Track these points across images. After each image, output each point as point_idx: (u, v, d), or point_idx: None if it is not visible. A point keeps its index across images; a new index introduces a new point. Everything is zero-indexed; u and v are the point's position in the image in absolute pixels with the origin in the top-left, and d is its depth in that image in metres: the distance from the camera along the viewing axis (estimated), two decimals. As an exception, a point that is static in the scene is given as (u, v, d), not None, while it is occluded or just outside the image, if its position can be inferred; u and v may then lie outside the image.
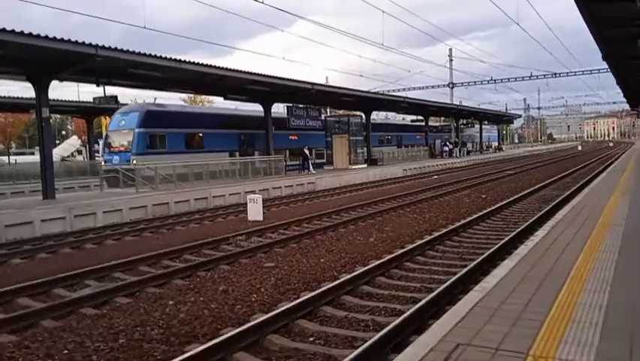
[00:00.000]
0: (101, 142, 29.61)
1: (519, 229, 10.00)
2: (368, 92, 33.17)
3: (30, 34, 13.25)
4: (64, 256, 10.41)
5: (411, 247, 9.11)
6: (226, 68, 20.11)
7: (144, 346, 5.06)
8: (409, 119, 54.38)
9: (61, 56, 14.93)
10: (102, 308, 6.62)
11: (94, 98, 19.95)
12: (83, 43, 14.67)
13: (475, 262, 7.42)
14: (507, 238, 9.14)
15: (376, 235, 10.90)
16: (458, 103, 54.71)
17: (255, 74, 21.36)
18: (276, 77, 22.69)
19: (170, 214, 16.41)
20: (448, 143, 47.37)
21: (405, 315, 5.24)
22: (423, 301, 5.66)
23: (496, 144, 69.71)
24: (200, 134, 26.34)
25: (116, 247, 11.12)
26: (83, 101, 32.39)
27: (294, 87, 24.62)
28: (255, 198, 14.48)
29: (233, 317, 5.90)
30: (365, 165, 32.67)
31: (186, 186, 19.89)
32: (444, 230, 10.75)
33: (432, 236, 10.11)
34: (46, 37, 13.66)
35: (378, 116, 46.51)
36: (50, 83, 16.61)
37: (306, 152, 29.06)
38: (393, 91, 52.64)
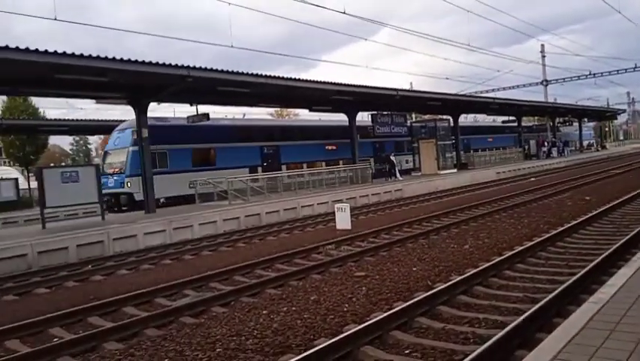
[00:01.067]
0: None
1: (632, 233, 9.09)
2: (455, 94, 32.26)
3: (128, 60, 14.23)
4: (165, 267, 10.93)
5: (510, 254, 8.57)
6: (309, 81, 20.37)
7: (240, 356, 5.11)
8: (499, 120, 52.09)
9: (156, 79, 15.90)
10: (200, 317, 6.82)
11: (187, 117, 20.98)
12: (177, 65, 15.52)
13: (584, 270, 6.80)
14: (619, 243, 8.30)
15: (471, 242, 10.40)
16: (553, 100, 51.63)
17: (338, 84, 21.47)
18: (360, 86, 22.64)
19: (261, 225, 16.80)
20: (545, 143, 44.73)
21: (508, 328, 4.86)
22: (528, 313, 5.23)
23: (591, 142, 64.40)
24: (212, 149, 24.42)
25: (212, 258, 11.51)
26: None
27: (378, 94, 24.43)
28: (342, 206, 14.43)
29: (326, 327, 5.82)
30: (454, 170, 31.64)
31: (275, 197, 20.31)
32: (545, 235, 10.03)
33: (533, 242, 9.45)
34: (142, 62, 14.60)
35: (466, 118, 45.08)
36: (148, 105, 17.73)
37: (393, 159, 28.66)
38: (482, 92, 50.77)
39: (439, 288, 6.66)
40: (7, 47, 11.98)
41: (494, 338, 4.61)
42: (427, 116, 39.09)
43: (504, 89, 54.17)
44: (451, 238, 11.13)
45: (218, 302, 7.40)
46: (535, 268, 7.96)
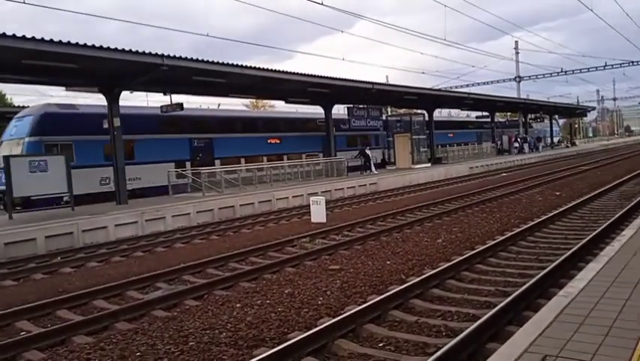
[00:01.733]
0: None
1: (600, 228, 9.32)
2: (430, 89, 32.56)
3: (100, 47, 13.89)
4: (137, 260, 10.76)
5: (482, 248, 8.69)
6: (285, 72, 20.25)
7: (213, 349, 5.06)
8: (473, 115, 52.79)
9: (129, 66, 15.57)
10: (172, 311, 6.73)
11: (161, 107, 20.61)
12: (150, 53, 15.22)
13: (554, 264, 6.94)
14: (588, 238, 8.51)
15: (444, 236, 10.52)
16: (526, 97, 52.51)
17: (314, 76, 21.41)
18: (336, 78, 22.61)
19: (235, 217, 16.69)
20: (518, 139, 45.51)
21: (480, 321, 4.94)
22: (499, 306, 5.31)
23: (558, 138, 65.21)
24: (130, 142, 20.72)
25: (185, 250, 11.38)
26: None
27: (355, 87, 24.45)
28: (317, 200, 14.43)
29: (300, 320, 5.81)
30: (429, 164, 31.96)
31: (250, 189, 20.19)
32: (517, 230, 10.21)
33: (504, 236, 9.62)
34: (115, 49, 14.27)
35: (441, 113, 45.54)
36: (120, 93, 17.36)
37: (368, 152, 28.78)
38: (457, 87, 51.29)
39: (413, 281, 6.72)
40: (-28, 31, 11.56)
41: (466, 331, 4.67)
42: (402, 111, 39.37)
43: (478, 84, 54.85)
44: (425, 232, 11.24)
45: (191, 295, 7.32)
46: (506, 262, 8.10)
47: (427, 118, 34.02)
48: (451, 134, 43.99)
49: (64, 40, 13.18)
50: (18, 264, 10.86)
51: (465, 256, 8.10)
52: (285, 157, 27.21)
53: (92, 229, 13.49)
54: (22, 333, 6.20)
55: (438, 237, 10.52)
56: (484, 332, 4.82)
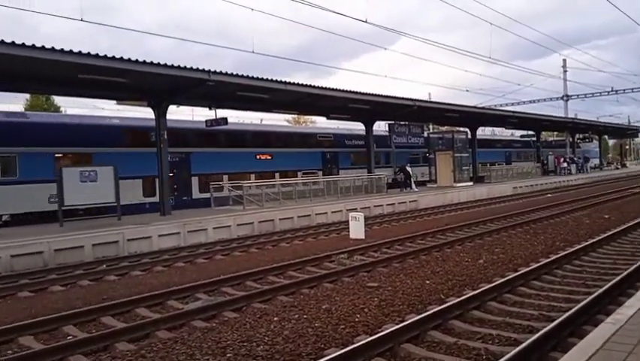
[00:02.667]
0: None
1: (652, 254, 8.92)
2: (474, 107, 32.07)
3: (150, 63, 14.43)
4: (178, 270, 10.98)
5: (525, 270, 8.46)
6: (327, 88, 20.43)
7: (250, 362, 5.11)
8: (518, 134, 51.68)
9: (177, 81, 16.08)
10: (211, 322, 6.83)
11: (206, 121, 21.15)
12: (197, 69, 15.68)
13: (601, 290, 6.68)
14: (638, 264, 8.16)
15: (486, 257, 10.29)
16: (574, 116, 51.04)
17: (356, 92, 21.50)
18: (378, 95, 22.63)
19: (275, 231, 16.83)
20: (565, 159, 44.20)
21: (523, 345, 4.79)
22: (543, 331, 5.15)
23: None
24: (87, 155, 19.53)
25: (225, 262, 11.54)
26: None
27: (396, 104, 24.40)
28: (356, 216, 14.40)
29: (337, 336, 5.79)
30: (471, 183, 31.40)
31: (290, 203, 20.34)
32: (562, 253, 9.89)
33: (549, 259, 9.33)
34: (164, 64, 14.78)
35: (484, 131, 44.78)
36: (168, 107, 17.92)
37: (408, 170, 28.56)
38: (502, 105, 50.36)
39: (452, 302, 6.60)
40: (33, 46, 12.22)
41: (508, 356, 4.55)
42: (444, 128, 38.98)
43: (524, 102, 53.69)
44: (465, 252, 11.03)
45: (230, 307, 7.41)
46: (550, 286, 7.85)
47: (469, 136, 33.55)
48: (495, 153, 43.15)
49: (117, 56, 13.76)
50: (66, 270, 11.27)
51: (507, 278, 7.89)
52: (276, 175, 25.31)
53: (137, 238, 13.88)
54: (69, 337, 6.42)
55: (479, 257, 10.31)
56: (526, 358, 4.67)
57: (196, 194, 22.33)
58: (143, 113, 22.15)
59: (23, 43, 12.07)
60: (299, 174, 26.47)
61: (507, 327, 5.97)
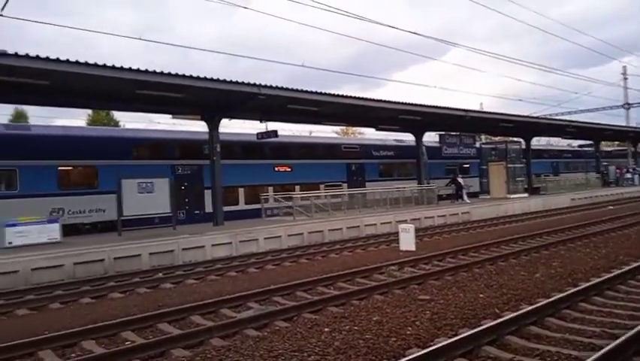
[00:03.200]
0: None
1: None
2: (528, 116, 31.16)
3: (204, 78, 14.90)
4: (231, 279, 11.18)
5: (586, 285, 8.09)
6: (377, 100, 20.42)
7: (301, 372, 5.13)
8: (575, 144, 49.76)
9: (229, 96, 16.51)
10: (263, 331, 6.92)
11: (257, 134, 21.55)
12: (248, 83, 16.04)
13: (670, 307, 6.31)
14: None
15: (543, 271, 9.93)
16: (636, 125, 48.67)
17: (405, 103, 21.36)
18: (428, 106, 22.39)
19: (324, 242, 16.88)
20: (629, 169, 42.14)
21: (584, 363, 4.60)
22: (605, 349, 4.92)
23: None
24: (92, 168, 19.35)
25: (276, 272, 11.66)
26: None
27: (447, 115, 24.07)
28: (407, 227, 14.25)
29: (388, 349, 5.73)
30: (526, 194, 30.44)
31: (339, 214, 20.35)
32: (626, 268, 9.40)
33: (611, 274, 8.90)
34: (217, 79, 15.22)
35: (539, 142, 43.38)
36: (220, 120, 18.40)
37: (460, 181, 28.01)
38: (557, 115, 48.71)
39: (508, 317, 6.40)
40: (95, 64, 12.88)
41: (568, 374, 4.37)
42: (497, 138, 38.05)
43: (581, 111, 51.67)
44: (521, 266, 10.68)
45: (281, 317, 7.48)
46: (613, 302, 7.48)
47: (523, 146, 32.60)
48: (539, 164, 41.73)
49: (173, 72, 14.28)
50: (124, 278, 11.71)
51: (566, 293, 7.58)
52: (296, 187, 24.40)
53: (191, 248, 14.26)
54: (127, 343, 6.66)
55: (536, 271, 9.96)
56: (588, 376, 4.47)
57: (209, 208, 20.91)
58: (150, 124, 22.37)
59: (86, 62, 12.75)
60: (321, 186, 25.44)
61: (567, 344, 5.73)
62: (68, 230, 16.44)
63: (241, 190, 23.37)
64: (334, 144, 29.31)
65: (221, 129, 18.57)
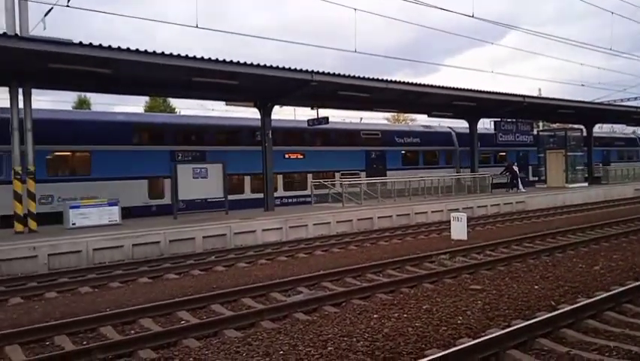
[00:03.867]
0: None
1: None
2: (590, 102, 29.75)
3: (258, 65, 15.04)
4: (281, 263, 11.37)
5: (649, 279, 7.72)
6: (430, 85, 20.04)
7: (350, 356, 5.17)
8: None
9: (282, 83, 16.63)
10: (312, 315, 7.01)
11: (308, 120, 21.64)
12: (301, 70, 16.09)
13: None
14: None
15: (602, 263, 9.53)
16: None
17: (459, 89, 20.85)
18: (483, 92, 21.78)
19: (373, 229, 16.83)
20: None
21: (646, 360, 4.40)
22: (670, 347, 4.68)
23: None
24: (85, 153, 18.90)
25: (325, 258, 11.75)
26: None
27: (503, 101, 23.33)
28: (459, 216, 13.98)
29: (438, 338, 5.68)
30: (585, 184, 29.19)
31: (388, 202, 20.21)
32: (695, 262, 8.90)
33: (678, 269, 8.44)
34: (270, 66, 15.35)
35: (601, 129, 41.39)
36: (273, 107, 18.59)
37: (515, 169, 27.16)
38: (623, 100, 46.20)
39: (564, 309, 6.19)
40: (154, 52, 13.27)
41: (628, 371, 4.19)
42: (555, 125, 36.62)
43: (649, 96, 48.74)
44: (579, 258, 10.29)
45: (330, 302, 7.55)
46: (680, 298, 7.09)
47: (584, 133, 31.20)
48: (613, 152, 39.74)
49: (228, 60, 14.51)
50: (179, 260, 12.11)
51: (628, 287, 7.25)
52: (308, 175, 23.73)
53: (243, 232, 14.57)
54: (182, 322, 6.91)
55: (595, 263, 9.57)
56: (650, 374, 4.28)
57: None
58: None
59: (145, 50, 13.15)
60: (336, 175, 24.53)
61: (627, 339, 5.49)
62: (53, 218, 15.96)
63: (247, 178, 22.58)
64: (352, 130, 27.36)
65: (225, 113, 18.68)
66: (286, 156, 23.53)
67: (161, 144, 20.74)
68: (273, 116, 18.72)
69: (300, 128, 23.89)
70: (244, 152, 21.66)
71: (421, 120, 31.15)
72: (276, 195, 20.27)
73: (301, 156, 24.34)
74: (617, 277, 8.39)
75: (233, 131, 23.16)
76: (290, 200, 23.09)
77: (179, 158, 20.53)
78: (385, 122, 50.92)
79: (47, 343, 6.31)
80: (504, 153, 32.63)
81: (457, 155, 30.18)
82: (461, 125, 29.23)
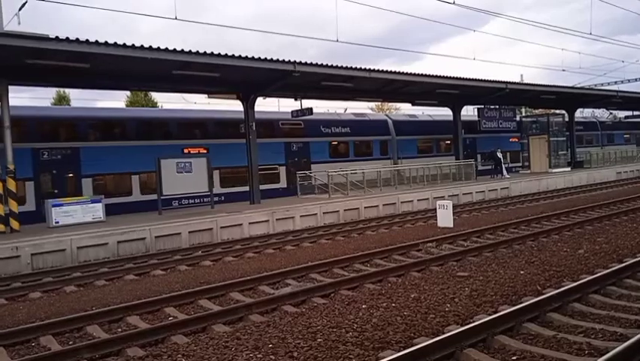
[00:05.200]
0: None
1: None
2: (572, 87, 30.05)
3: (239, 57, 14.89)
4: (268, 256, 11.33)
5: (632, 261, 7.81)
6: (413, 74, 20.04)
7: (340, 347, 5.16)
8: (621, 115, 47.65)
9: (264, 74, 16.50)
10: (301, 307, 6.99)
11: (292, 112, 21.54)
12: (283, 60, 15.97)
13: None
14: None
15: (587, 247, 9.65)
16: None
17: (442, 77, 20.91)
18: (467, 79, 21.86)
19: (360, 219, 16.86)
20: None
21: (631, 341, 4.44)
22: (654, 327, 4.75)
23: None
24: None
25: (312, 250, 11.73)
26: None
27: (486, 88, 23.44)
28: (444, 204, 14.06)
29: (427, 326, 5.70)
30: (568, 169, 29.54)
31: (374, 191, 20.25)
32: (676, 243, 9.05)
33: (660, 250, 8.58)
34: (252, 57, 15.20)
35: (582, 113, 41.80)
36: (256, 99, 18.44)
37: (499, 155, 27.37)
38: (603, 85, 46.72)
39: (550, 294, 6.25)
40: (133, 46, 13.06)
41: (614, 351, 4.24)
42: (538, 111, 36.96)
43: (629, 81, 49.36)
44: (564, 242, 10.41)
45: (318, 293, 7.55)
46: (662, 279, 7.20)
47: (567, 118, 31.53)
48: (592, 136, 40.18)
49: (209, 52, 14.34)
50: (166, 255, 12.02)
51: (612, 269, 7.34)
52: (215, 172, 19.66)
53: (229, 226, 14.49)
54: (170, 318, 6.86)
55: (579, 247, 9.69)
56: (634, 354, 4.33)
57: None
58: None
59: (124, 44, 12.93)
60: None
61: (612, 321, 5.56)
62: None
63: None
64: (265, 120, 22.69)
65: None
66: (185, 150, 20.27)
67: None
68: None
69: (202, 118, 21.91)
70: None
71: (359, 109, 30.30)
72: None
73: (203, 151, 20.73)
74: (600, 260, 8.50)
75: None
76: (190, 202, 19.31)
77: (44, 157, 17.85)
78: (370, 112, 50.87)
79: (33, 344, 6.22)
80: (449, 142, 29.90)
81: (395, 145, 27.94)
82: (406, 112, 28.56)
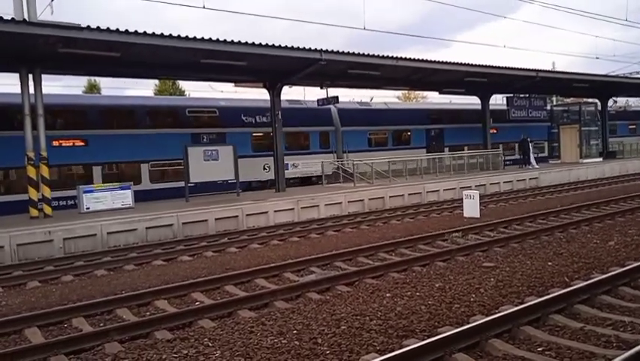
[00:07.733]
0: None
1: None
2: (605, 75, 29.16)
3: (266, 45, 14.91)
4: (293, 244, 11.41)
5: (665, 254, 7.64)
6: (440, 62, 19.75)
7: (364, 335, 5.19)
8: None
9: (291, 62, 16.49)
10: (325, 295, 7.05)
11: (317, 100, 21.54)
12: (309, 49, 15.93)
13: None
14: None
15: (617, 239, 9.44)
16: None
17: (471, 65, 20.54)
18: (494, 67, 21.44)
19: (385, 208, 16.81)
20: None
21: (661, 336, 4.36)
22: (686, 322, 4.64)
23: None
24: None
25: (337, 238, 11.77)
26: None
27: (515, 76, 22.97)
28: (471, 194, 13.91)
29: (451, 315, 5.69)
30: (600, 159, 28.83)
31: (400, 181, 20.14)
32: None
33: (694, 243, 8.34)
34: (279, 46, 15.21)
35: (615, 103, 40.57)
36: (282, 88, 18.48)
37: (528, 145, 26.83)
38: (639, 73, 45.26)
39: (578, 285, 6.15)
40: (161, 35, 13.20)
41: (643, 346, 4.16)
42: (569, 100, 36.06)
43: (665, 68, 47.66)
44: (594, 233, 10.20)
45: (342, 281, 7.58)
46: (696, 273, 7.00)
47: (599, 107, 30.72)
48: (632, 126, 38.96)
49: (236, 40, 14.39)
50: (192, 242, 12.21)
51: (643, 263, 7.18)
52: (95, 169, 18.16)
53: (255, 213, 14.63)
54: (197, 303, 6.99)
55: (610, 239, 9.48)
56: (665, 349, 4.24)
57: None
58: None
59: (153, 33, 13.08)
60: (144, 166, 19.22)
61: (642, 315, 5.45)
62: None
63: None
64: (166, 107, 21.25)
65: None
66: (54, 143, 16.65)
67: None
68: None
69: (78, 105, 18.89)
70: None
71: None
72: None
73: (81, 143, 17.72)
74: (632, 253, 8.31)
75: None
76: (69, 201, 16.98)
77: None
78: (396, 100, 50.31)
79: (65, 325, 6.43)
80: (409, 133, 27.22)
81: (339, 137, 24.29)
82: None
